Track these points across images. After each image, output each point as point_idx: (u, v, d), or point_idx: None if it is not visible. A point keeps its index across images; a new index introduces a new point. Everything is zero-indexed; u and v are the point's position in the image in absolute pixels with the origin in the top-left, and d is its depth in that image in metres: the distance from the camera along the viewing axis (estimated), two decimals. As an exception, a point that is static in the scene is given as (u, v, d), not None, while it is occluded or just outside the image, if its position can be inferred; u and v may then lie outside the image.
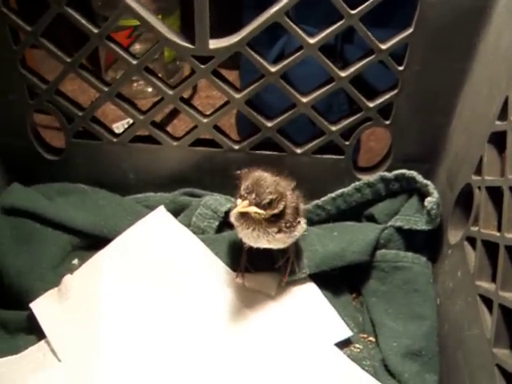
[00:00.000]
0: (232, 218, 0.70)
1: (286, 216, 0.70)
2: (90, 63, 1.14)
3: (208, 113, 0.83)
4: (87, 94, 1.06)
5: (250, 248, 0.75)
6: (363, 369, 0.74)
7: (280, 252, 0.79)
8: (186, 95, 1.08)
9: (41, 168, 0.86)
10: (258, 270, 0.79)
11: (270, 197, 0.66)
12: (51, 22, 0.73)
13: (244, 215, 0.68)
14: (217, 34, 0.75)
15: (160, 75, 0.83)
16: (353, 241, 0.80)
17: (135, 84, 1.12)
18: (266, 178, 0.68)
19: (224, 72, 0.81)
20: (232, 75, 1.10)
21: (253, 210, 0.66)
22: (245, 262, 0.79)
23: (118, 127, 1.05)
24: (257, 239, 0.70)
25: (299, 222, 0.72)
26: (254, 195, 0.66)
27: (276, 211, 0.68)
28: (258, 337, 0.76)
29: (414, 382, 0.74)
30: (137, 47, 1.08)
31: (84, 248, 0.83)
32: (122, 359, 0.73)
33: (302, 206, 0.74)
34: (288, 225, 0.70)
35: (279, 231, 0.70)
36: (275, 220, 0.69)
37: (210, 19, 0.72)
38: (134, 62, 0.76)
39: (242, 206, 0.65)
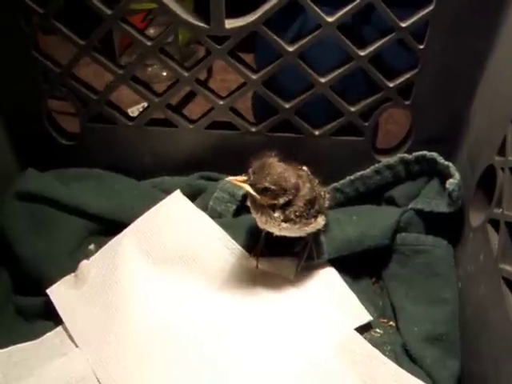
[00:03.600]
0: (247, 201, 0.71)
1: (295, 207, 0.70)
2: (104, 48, 1.14)
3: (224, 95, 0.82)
4: (102, 79, 1.04)
5: (268, 233, 0.74)
6: (384, 354, 0.73)
7: (298, 237, 0.78)
8: (201, 78, 1.08)
9: (56, 153, 0.86)
10: (275, 254, 0.78)
11: (267, 185, 0.67)
12: (64, 4, 0.72)
13: (254, 199, 0.69)
14: (233, 13, 0.74)
15: (164, 74, 0.83)
16: (372, 225, 0.79)
17: (150, 68, 1.11)
18: (275, 167, 0.68)
19: (239, 54, 0.79)
20: (247, 58, 1.08)
21: (245, 187, 0.67)
22: (262, 245, 0.78)
23: (133, 112, 1.04)
24: (265, 224, 0.71)
25: (315, 217, 0.72)
26: (255, 176, 0.67)
27: (274, 202, 0.68)
28: (276, 321, 0.76)
29: (436, 368, 0.72)
30: (151, 31, 1.07)
31: (100, 233, 0.83)
32: (140, 344, 0.72)
33: (323, 203, 0.74)
34: (297, 214, 0.70)
35: (287, 220, 0.70)
36: (282, 208, 0.69)
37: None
38: (149, 44, 0.75)
39: (237, 178, 0.67)
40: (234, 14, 0.74)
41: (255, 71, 0.78)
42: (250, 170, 0.67)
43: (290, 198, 0.69)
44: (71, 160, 0.86)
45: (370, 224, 0.79)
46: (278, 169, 0.68)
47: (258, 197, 0.68)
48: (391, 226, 0.78)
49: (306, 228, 0.73)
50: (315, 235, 0.78)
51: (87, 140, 0.84)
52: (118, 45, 1.12)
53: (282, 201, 0.69)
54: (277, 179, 0.67)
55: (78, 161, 0.86)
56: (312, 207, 0.71)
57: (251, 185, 0.67)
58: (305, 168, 0.76)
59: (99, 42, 0.77)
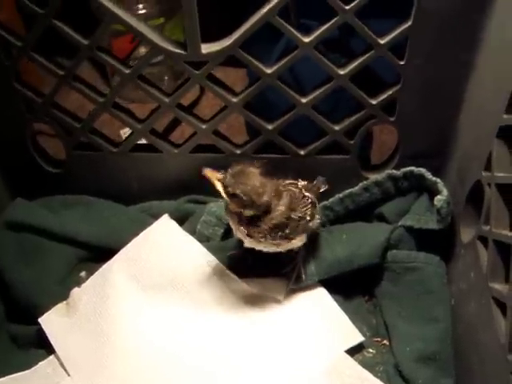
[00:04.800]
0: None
1: (260, 228, 0.69)
2: (97, 68, 1.14)
3: (211, 116, 0.81)
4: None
5: (257, 253, 0.74)
6: (376, 375, 0.73)
7: (288, 257, 0.77)
8: (193, 97, 1.08)
9: (43, 181, 0.86)
10: (264, 274, 0.78)
11: (238, 192, 0.66)
12: (45, 33, 0.72)
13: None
14: (222, 33, 0.73)
15: (166, 78, 0.82)
16: (362, 244, 0.78)
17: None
18: (252, 178, 0.67)
19: (231, 70, 0.79)
20: (240, 73, 1.08)
21: (217, 185, 0.68)
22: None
23: (126, 133, 1.04)
24: (236, 231, 0.72)
25: (287, 239, 0.72)
26: (228, 177, 0.67)
27: (240, 211, 0.68)
28: (266, 344, 0.75)
29: (429, 388, 0.71)
30: (142, 50, 1.06)
31: (91, 260, 0.83)
32: (131, 371, 0.72)
33: (307, 223, 0.73)
34: (261, 235, 0.70)
35: (251, 236, 0.70)
36: (249, 222, 0.69)
37: (212, 19, 0.70)
38: (127, 71, 0.74)
39: (213, 173, 0.68)
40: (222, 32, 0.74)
41: (236, 94, 0.77)
42: (229, 171, 0.67)
43: (258, 213, 0.68)
44: (59, 187, 0.86)
45: (359, 243, 0.78)
46: (255, 181, 0.67)
47: (226, 199, 0.68)
48: (381, 244, 0.77)
49: (276, 247, 0.72)
50: (304, 257, 0.77)
51: (74, 167, 0.84)
52: (109, 65, 1.12)
53: (247, 213, 0.68)
54: (249, 190, 0.67)
55: (66, 188, 0.86)
56: (281, 231, 0.70)
57: (224, 186, 0.67)
58: (301, 183, 0.75)
59: (91, 62, 0.77)
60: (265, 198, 0.68)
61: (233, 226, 0.72)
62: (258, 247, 0.72)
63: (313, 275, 0.77)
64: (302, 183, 0.75)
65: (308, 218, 0.73)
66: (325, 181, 0.80)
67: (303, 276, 0.77)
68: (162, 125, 0.86)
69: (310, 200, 0.74)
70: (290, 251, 0.75)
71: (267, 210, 0.69)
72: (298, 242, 0.73)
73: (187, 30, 0.70)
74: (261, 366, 0.73)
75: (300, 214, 0.72)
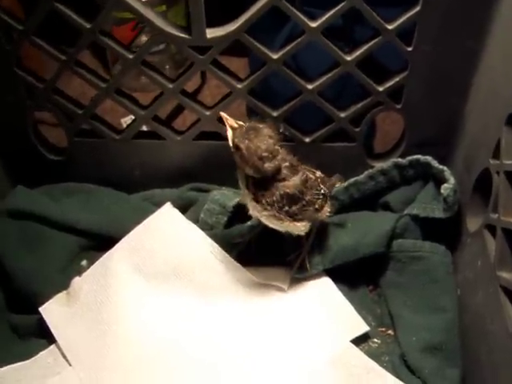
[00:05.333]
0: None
1: (269, 193, 0.67)
2: (98, 57, 1.13)
3: (213, 104, 0.80)
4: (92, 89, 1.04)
5: (261, 240, 0.74)
6: (381, 365, 0.72)
7: (293, 246, 0.77)
8: (194, 85, 1.07)
9: (45, 169, 0.85)
10: (268, 263, 0.77)
11: (241, 145, 0.64)
12: (47, 17, 0.71)
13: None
14: (220, 21, 0.72)
15: (167, 67, 0.81)
16: (367, 233, 0.77)
17: (143, 76, 1.09)
18: (262, 142, 0.64)
19: (233, 59, 0.78)
20: (242, 62, 1.07)
21: (228, 126, 0.65)
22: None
23: (127, 121, 1.03)
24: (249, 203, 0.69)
25: (291, 218, 0.69)
26: (240, 128, 0.65)
27: (242, 167, 0.66)
28: (271, 333, 0.75)
29: (435, 378, 0.70)
30: (143, 39, 1.05)
31: (92, 248, 0.82)
32: (133, 361, 0.72)
33: (314, 212, 0.72)
34: (268, 202, 0.67)
35: (257, 201, 0.68)
36: (256, 186, 0.67)
37: (211, 6, 0.69)
38: (131, 57, 0.73)
39: (229, 120, 0.65)
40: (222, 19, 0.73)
41: (241, 80, 0.76)
42: (246, 124, 0.65)
43: (257, 175, 0.66)
44: (60, 175, 0.85)
45: (364, 231, 0.77)
46: (263, 144, 0.64)
47: (232, 148, 0.66)
48: (387, 233, 0.77)
49: (277, 223, 0.70)
50: (309, 245, 0.77)
51: (75, 155, 0.83)
52: (110, 53, 1.11)
53: (248, 171, 0.66)
54: (253, 150, 0.64)
55: (68, 175, 0.85)
56: (289, 205, 0.68)
57: (233, 135, 0.65)
58: (319, 174, 0.73)
59: (92, 50, 0.76)
60: (267, 164, 0.65)
61: (241, 187, 0.69)
62: (261, 217, 0.69)
63: (317, 264, 0.77)
64: (319, 174, 0.74)
65: (316, 207, 0.72)
66: (342, 178, 0.79)
67: (307, 265, 0.76)
68: (164, 113, 0.85)
69: (322, 191, 0.72)
70: (294, 239, 0.74)
71: (275, 176, 0.66)
72: (300, 227, 0.71)
73: (192, 14, 0.68)
74: (265, 356, 0.73)
75: (311, 198, 0.70)
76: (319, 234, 0.78)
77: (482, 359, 0.68)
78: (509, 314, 0.62)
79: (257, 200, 0.68)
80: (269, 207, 0.68)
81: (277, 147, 0.66)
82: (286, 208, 0.68)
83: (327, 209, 0.74)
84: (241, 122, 0.66)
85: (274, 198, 0.67)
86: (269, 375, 0.71)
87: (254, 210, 0.69)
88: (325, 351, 0.73)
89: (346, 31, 0.95)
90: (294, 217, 0.69)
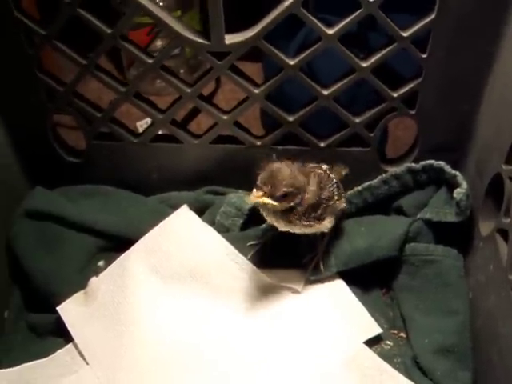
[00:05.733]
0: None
1: (304, 207, 0.70)
2: (112, 61, 1.14)
3: (231, 107, 0.81)
4: (110, 92, 1.05)
5: (276, 242, 0.76)
6: (394, 367, 0.73)
7: (308, 248, 0.78)
8: (209, 90, 1.08)
9: (63, 171, 0.86)
10: (283, 265, 0.78)
11: (285, 189, 0.66)
12: (69, 21, 0.73)
13: (262, 206, 0.68)
14: (237, 27, 0.73)
15: (182, 71, 0.82)
16: (381, 236, 0.78)
17: (158, 81, 1.11)
18: (283, 170, 0.67)
19: (247, 64, 0.79)
20: (255, 68, 1.08)
21: (266, 201, 0.66)
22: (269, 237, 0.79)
23: (142, 125, 1.04)
24: (278, 226, 0.72)
25: (319, 220, 0.72)
26: (269, 186, 0.66)
27: (292, 204, 0.68)
28: (285, 335, 0.75)
29: (447, 380, 0.71)
30: (158, 43, 1.07)
31: (109, 249, 0.83)
32: (150, 361, 0.73)
33: (334, 205, 0.74)
34: (306, 216, 0.70)
35: (297, 219, 0.70)
36: (291, 209, 0.69)
37: (228, 12, 0.70)
38: (150, 61, 0.75)
39: (255, 195, 0.66)
40: (237, 26, 0.74)
41: (258, 85, 0.77)
42: (260, 182, 0.66)
43: (303, 195, 0.69)
44: (78, 177, 0.86)
45: (378, 235, 0.78)
46: (286, 170, 0.68)
47: (277, 205, 0.67)
48: (400, 237, 0.78)
49: (307, 229, 0.73)
50: (324, 246, 0.78)
51: (94, 157, 0.85)
52: (125, 58, 1.12)
53: (297, 200, 0.69)
54: (291, 180, 0.67)
55: (86, 178, 0.86)
56: (314, 211, 0.71)
57: (270, 196, 0.66)
58: (325, 166, 0.76)
59: (107, 55, 0.77)
60: (301, 179, 0.69)
61: (269, 219, 0.71)
62: (293, 230, 0.72)
63: (331, 266, 0.78)
64: (325, 166, 0.76)
65: (336, 198, 0.74)
66: (344, 167, 0.81)
67: (322, 267, 0.77)
68: (180, 116, 0.86)
69: (335, 180, 0.75)
70: (310, 240, 0.76)
71: (304, 191, 0.69)
72: (327, 223, 0.74)
73: (211, 20, 0.70)
74: (279, 357, 0.74)
75: (329, 194, 0.73)
76: (334, 237, 0.79)
77: (494, 362, 0.69)
78: (521, 317, 0.63)
79: (289, 221, 0.70)
80: (298, 221, 0.71)
81: (289, 166, 0.69)
82: (313, 214, 0.71)
83: (344, 196, 0.77)
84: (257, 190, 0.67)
85: (301, 213, 0.70)
86: (283, 377, 0.72)
87: (286, 228, 0.72)
88: (338, 353, 0.74)
89: (361, 38, 0.96)
90: (320, 218, 0.72)
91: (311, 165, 0.74)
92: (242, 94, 0.79)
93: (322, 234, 0.76)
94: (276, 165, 0.68)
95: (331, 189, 0.74)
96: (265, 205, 0.67)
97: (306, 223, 0.71)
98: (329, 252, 0.78)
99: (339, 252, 0.78)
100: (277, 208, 0.68)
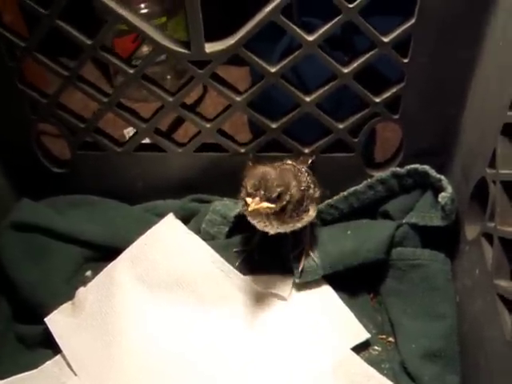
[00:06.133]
0: (249, 218, 0.71)
1: (292, 203, 0.70)
2: (99, 68, 1.14)
3: (218, 112, 0.81)
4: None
5: (262, 248, 0.77)
6: (382, 372, 0.73)
7: (294, 244, 0.79)
8: (197, 95, 1.08)
9: (49, 181, 0.86)
10: (270, 271, 0.79)
11: (278, 190, 0.66)
12: (48, 34, 0.73)
13: (254, 212, 0.68)
14: (223, 33, 0.73)
15: (169, 77, 0.81)
16: (367, 239, 0.78)
17: (144, 88, 1.11)
18: (270, 171, 0.67)
19: (234, 69, 0.79)
20: (243, 71, 1.08)
21: (265, 205, 0.66)
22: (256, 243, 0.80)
23: (129, 132, 1.04)
24: (271, 229, 0.71)
25: (307, 210, 0.73)
26: (262, 191, 0.65)
27: (284, 203, 0.68)
28: (273, 342, 0.75)
29: (435, 385, 0.71)
30: (145, 49, 1.06)
31: (96, 259, 0.83)
32: (138, 371, 0.73)
33: (312, 192, 0.74)
34: (296, 211, 0.71)
35: (289, 217, 0.70)
36: (282, 209, 0.69)
37: (214, 19, 0.70)
38: (131, 71, 0.74)
39: (254, 203, 0.65)
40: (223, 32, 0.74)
41: (240, 93, 0.77)
42: (252, 190, 0.66)
43: (291, 191, 0.69)
44: (64, 187, 0.86)
45: (364, 238, 0.78)
46: (272, 171, 0.68)
47: (274, 207, 0.67)
48: (386, 240, 0.78)
49: (297, 224, 0.73)
50: (310, 249, 0.79)
51: (79, 167, 0.85)
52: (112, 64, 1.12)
53: (287, 197, 0.69)
54: (280, 179, 0.67)
55: (71, 188, 0.86)
56: (301, 204, 0.71)
57: (267, 200, 0.66)
58: (289, 161, 0.76)
59: (93, 61, 0.77)
60: (286, 177, 0.69)
61: (259, 225, 0.71)
62: (285, 229, 0.73)
63: (318, 269, 0.78)
64: (290, 161, 0.76)
65: (312, 186, 0.74)
66: (310, 156, 0.81)
67: (313, 256, 0.78)
68: (165, 124, 0.86)
69: (304, 169, 0.76)
70: (296, 237, 0.78)
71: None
72: (312, 212, 0.75)
73: (191, 30, 0.70)
74: (267, 364, 0.74)
75: (306, 184, 0.73)
76: (319, 240, 0.79)
77: (480, 365, 0.68)
78: (505, 321, 0.62)
79: (282, 221, 0.71)
80: (290, 219, 0.71)
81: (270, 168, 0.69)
82: (300, 208, 0.71)
83: (317, 183, 0.77)
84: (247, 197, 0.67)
85: (291, 211, 0.70)
86: (270, 381, 0.72)
87: (280, 229, 0.72)
88: (326, 359, 0.74)
89: (345, 41, 0.96)
90: (305, 209, 0.73)
91: (278, 163, 0.75)
92: (228, 100, 0.79)
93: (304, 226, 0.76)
94: (260, 169, 0.68)
95: (305, 179, 0.74)
96: (264, 209, 0.67)
97: (296, 218, 0.71)
98: (315, 254, 0.78)
99: (325, 254, 0.78)
100: (273, 210, 0.67)
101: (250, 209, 0.66)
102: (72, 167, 0.85)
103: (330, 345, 0.75)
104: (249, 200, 0.65)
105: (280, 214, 0.69)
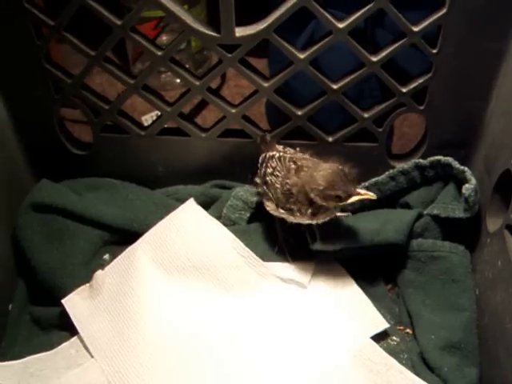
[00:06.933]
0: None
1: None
2: (117, 56, 1.14)
3: (237, 103, 0.81)
4: (115, 86, 1.05)
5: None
6: (400, 363, 0.72)
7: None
8: (214, 85, 1.08)
9: (69, 163, 0.86)
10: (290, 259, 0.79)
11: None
12: (75, 14, 0.72)
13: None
14: (243, 20, 0.73)
15: (187, 66, 0.81)
16: (389, 221, 0.78)
17: (163, 75, 1.11)
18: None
19: (252, 60, 0.79)
20: (260, 64, 1.08)
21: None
22: (282, 233, 0.80)
23: (147, 119, 1.04)
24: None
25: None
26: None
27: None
28: (292, 330, 0.75)
29: (454, 376, 0.71)
30: (163, 38, 1.07)
31: (115, 243, 0.83)
32: (155, 354, 0.72)
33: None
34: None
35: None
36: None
37: (235, 6, 0.70)
38: (159, 53, 0.74)
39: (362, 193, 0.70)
40: (245, 20, 0.74)
41: (267, 78, 0.77)
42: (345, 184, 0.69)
43: None
44: (85, 170, 0.86)
45: (386, 220, 0.78)
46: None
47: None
48: (408, 223, 0.78)
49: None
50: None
51: (100, 150, 0.84)
52: (131, 52, 1.12)
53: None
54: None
55: (92, 170, 0.86)
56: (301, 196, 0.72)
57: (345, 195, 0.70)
58: (270, 154, 0.77)
59: (112, 49, 0.77)
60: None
61: (303, 220, 0.74)
62: (323, 219, 0.74)
63: (340, 238, 0.78)
64: (270, 154, 0.77)
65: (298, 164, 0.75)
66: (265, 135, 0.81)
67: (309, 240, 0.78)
68: (185, 110, 0.86)
69: (288, 152, 0.77)
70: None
71: None
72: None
73: (222, 13, 0.70)
74: (287, 352, 0.73)
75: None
76: (340, 222, 0.80)
77: (501, 358, 0.68)
78: (528, 312, 0.63)
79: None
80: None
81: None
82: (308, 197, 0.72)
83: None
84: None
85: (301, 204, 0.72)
86: (290, 372, 0.72)
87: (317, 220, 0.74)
88: (345, 348, 0.73)
89: (367, 34, 0.96)
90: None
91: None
92: (247, 89, 0.79)
93: None
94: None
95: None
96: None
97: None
98: (337, 232, 0.78)
99: (347, 230, 0.78)
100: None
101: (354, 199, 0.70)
102: (94, 150, 0.84)
103: (349, 333, 0.75)
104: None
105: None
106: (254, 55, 0.94)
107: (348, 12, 0.73)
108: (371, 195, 0.71)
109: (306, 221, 0.74)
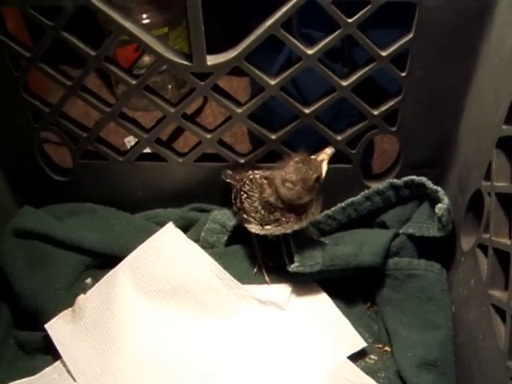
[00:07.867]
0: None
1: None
2: (101, 77, 1.15)
3: (216, 125, 0.82)
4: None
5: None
6: (378, 381, 0.74)
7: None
8: (196, 105, 1.09)
9: (50, 189, 0.87)
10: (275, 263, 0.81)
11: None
12: (52, 44, 0.74)
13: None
14: (226, 44, 0.74)
15: (170, 86, 0.82)
16: (364, 243, 0.79)
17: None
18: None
19: (234, 79, 0.80)
20: (242, 82, 1.09)
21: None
22: (261, 255, 0.81)
23: (130, 141, 1.05)
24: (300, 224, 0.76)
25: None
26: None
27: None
28: (270, 351, 0.76)
29: (430, 395, 0.72)
30: (146, 59, 1.07)
31: (97, 267, 0.84)
32: (137, 378, 0.73)
33: None
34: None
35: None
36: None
37: (217, 29, 0.71)
38: (133, 82, 0.75)
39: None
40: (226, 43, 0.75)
41: (240, 104, 0.78)
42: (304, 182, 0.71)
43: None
44: (65, 195, 0.87)
45: (362, 242, 0.79)
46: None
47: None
48: (384, 245, 0.79)
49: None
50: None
51: (80, 175, 0.86)
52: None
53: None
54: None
55: (72, 196, 0.87)
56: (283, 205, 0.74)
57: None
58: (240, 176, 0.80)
59: (95, 71, 0.78)
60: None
61: (292, 227, 0.75)
62: (301, 226, 0.76)
63: (319, 259, 0.78)
64: (240, 185, 0.79)
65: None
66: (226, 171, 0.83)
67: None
68: (166, 133, 0.87)
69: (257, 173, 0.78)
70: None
71: None
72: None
73: (193, 42, 0.71)
74: (264, 373, 0.75)
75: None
76: (318, 242, 0.80)
77: (475, 375, 0.69)
78: (500, 332, 0.63)
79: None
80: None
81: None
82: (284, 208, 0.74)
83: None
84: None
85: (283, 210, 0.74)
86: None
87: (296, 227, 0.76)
88: (322, 367, 0.74)
89: (344, 52, 0.97)
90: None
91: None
92: (228, 110, 0.80)
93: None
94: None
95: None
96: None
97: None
98: (314, 255, 0.78)
99: (326, 252, 0.78)
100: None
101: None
102: (74, 175, 0.86)
103: (326, 353, 0.76)
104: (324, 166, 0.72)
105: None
106: (237, 74, 0.95)
107: (324, 32, 0.74)
108: (332, 150, 0.73)
109: (295, 226, 0.75)
